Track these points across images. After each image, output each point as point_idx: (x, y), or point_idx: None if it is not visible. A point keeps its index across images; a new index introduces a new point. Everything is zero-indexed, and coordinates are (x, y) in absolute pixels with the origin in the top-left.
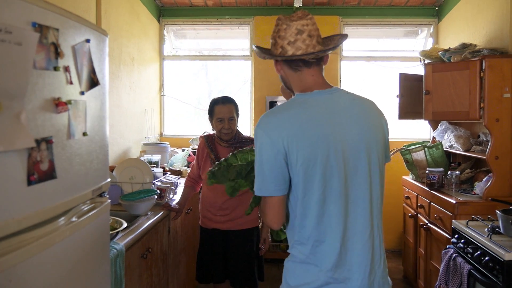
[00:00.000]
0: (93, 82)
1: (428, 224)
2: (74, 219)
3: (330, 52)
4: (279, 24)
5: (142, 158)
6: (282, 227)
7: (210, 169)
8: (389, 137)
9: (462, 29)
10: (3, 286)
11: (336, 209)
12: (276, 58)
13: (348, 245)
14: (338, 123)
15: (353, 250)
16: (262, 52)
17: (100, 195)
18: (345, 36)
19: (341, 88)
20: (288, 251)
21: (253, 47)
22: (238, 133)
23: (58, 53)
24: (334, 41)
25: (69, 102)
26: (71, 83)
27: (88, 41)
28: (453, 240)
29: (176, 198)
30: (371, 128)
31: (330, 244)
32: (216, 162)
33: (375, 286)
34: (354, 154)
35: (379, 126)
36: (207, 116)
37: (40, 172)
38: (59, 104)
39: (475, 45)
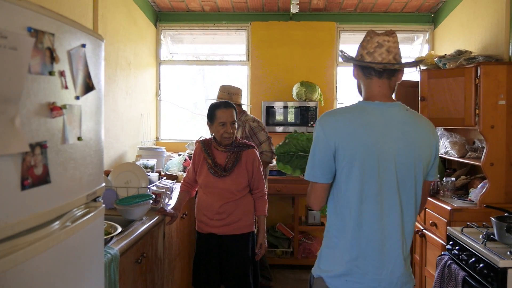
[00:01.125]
0: (89, 86)
1: (424, 230)
2: (68, 223)
3: (397, 66)
4: (366, 36)
5: (137, 163)
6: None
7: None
8: None
9: (458, 36)
10: None
11: (370, 210)
12: (351, 61)
13: (380, 242)
14: (387, 135)
15: (383, 248)
16: (346, 57)
17: (95, 200)
18: (420, 62)
19: (401, 104)
20: (324, 234)
21: (339, 51)
22: (236, 138)
23: (53, 58)
24: (409, 63)
25: (64, 106)
26: (66, 87)
27: (83, 46)
28: (448, 246)
29: (172, 202)
30: (417, 146)
31: (362, 237)
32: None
33: (398, 283)
34: (394, 165)
35: (427, 146)
36: (203, 120)
37: (34, 176)
38: (54, 109)
39: (471, 52)
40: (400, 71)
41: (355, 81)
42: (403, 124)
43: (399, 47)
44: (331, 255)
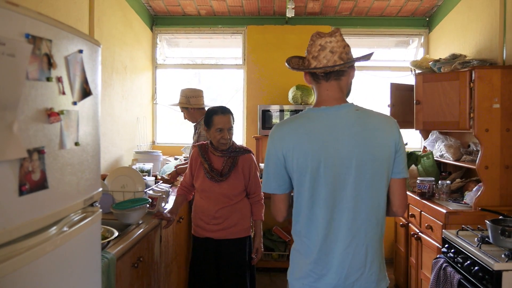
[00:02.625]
0: (86, 92)
1: (419, 233)
2: (65, 228)
3: (337, 67)
4: (310, 40)
5: (134, 167)
6: None
7: None
8: None
9: (452, 39)
10: None
11: (321, 214)
12: (295, 70)
13: (329, 247)
14: (334, 138)
15: (333, 253)
16: (293, 67)
17: (92, 205)
18: (368, 56)
19: (353, 105)
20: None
21: (286, 63)
22: (232, 143)
23: (51, 64)
24: (354, 59)
25: (61, 112)
26: (63, 93)
27: (81, 51)
28: (444, 249)
29: (168, 206)
30: (370, 146)
31: (313, 242)
32: None
33: None
34: (343, 169)
35: (384, 145)
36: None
37: (31, 182)
38: (51, 115)
39: (465, 56)
40: (349, 70)
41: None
42: (352, 125)
43: (346, 44)
44: (294, 258)
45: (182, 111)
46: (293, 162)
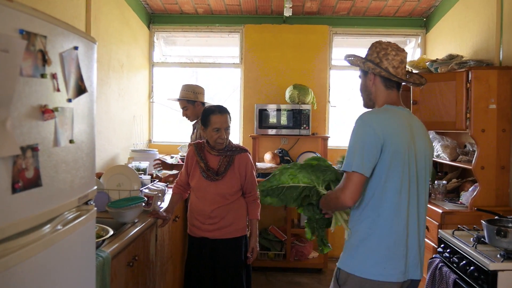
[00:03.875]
0: (81, 89)
1: None
2: (59, 227)
3: (422, 87)
4: (389, 49)
5: (130, 165)
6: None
7: (262, 183)
8: None
9: (449, 40)
10: None
11: (404, 201)
12: (385, 74)
13: (408, 229)
14: (415, 133)
15: (411, 235)
16: (364, 61)
17: (86, 203)
18: (424, 81)
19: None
20: (350, 227)
21: (350, 57)
22: (228, 142)
23: (45, 60)
24: (413, 77)
25: (56, 109)
26: (58, 90)
27: (76, 48)
28: (439, 249)
29: (164, 205)
30: (430, 148)
31: (399, 226)
32: (266, 179)
33: (421, 262)
34: (422, 163)
35: (432, 147)
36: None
37: (25, 179)
38: (45, 112)
39: (462, 57)
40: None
41: (365, 88)
42: (419, 125)
43: None
44: (366, 247)
45: (184, 107)
46: (391, 146)
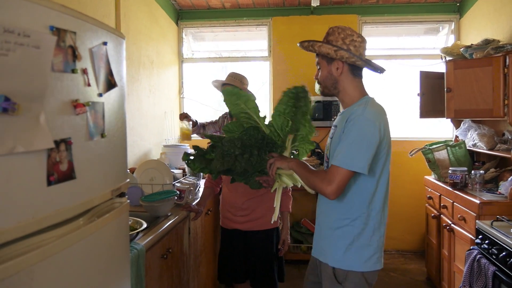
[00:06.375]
0: (111, 84)
1: (452, 224)
2: (93, 219)
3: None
4: (354, 36)
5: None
6: None
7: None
8: (410, 136)
9: (485, 24)
10: (25, 283)
11: (388, 194)
12: (361, 63)
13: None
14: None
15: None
16: (337, 49)
17: (120, 196)
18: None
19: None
20: (334, 226)
21: (314, 45)
22: None
23: (75, 56)
24: (375, 64)
25: (87, 103)
26: (88, 85)
27: (105, 43)
28: (477, 241)
29: (196, 199)
30: None
31: (384, 218)
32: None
33: None
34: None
35: None
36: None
37: (59, 172)
38: (77, 106)
39: (498, 41)
40: None
41: (329, 76)
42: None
43: None
44: (361, 242)
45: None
46: (386, 144)
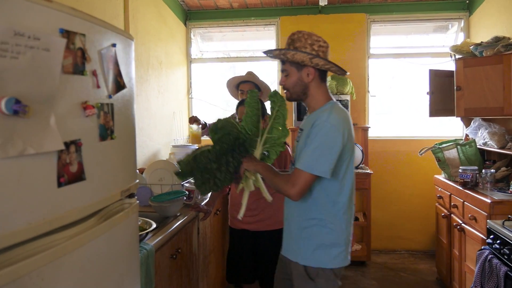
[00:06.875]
0: (120, 85)
1: (462, 224)
2: (103, 219)
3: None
4: (321, 41)
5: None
6: None
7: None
8: (419, 135)
9: (495, 22)
10: (36, 284)
11: (354, 191)
12: (335, 69)
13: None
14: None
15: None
16: (312, 57)
17: (129, 196)
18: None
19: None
20: (303, 226)
21: (286, 53)
22: None
23: (85, 58)
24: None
25: (96, 105)
26: (98, 87)
27: (114, 45)
28: (489, 240)
29: (205, 199)
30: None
31: (351, 218)
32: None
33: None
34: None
35: None
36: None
37: (69, 174)
38: (87, 108)
39: (509, 38)
40: None
41: (300, 82)
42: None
43: None
44: (328, 241)
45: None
46: (350, 147)
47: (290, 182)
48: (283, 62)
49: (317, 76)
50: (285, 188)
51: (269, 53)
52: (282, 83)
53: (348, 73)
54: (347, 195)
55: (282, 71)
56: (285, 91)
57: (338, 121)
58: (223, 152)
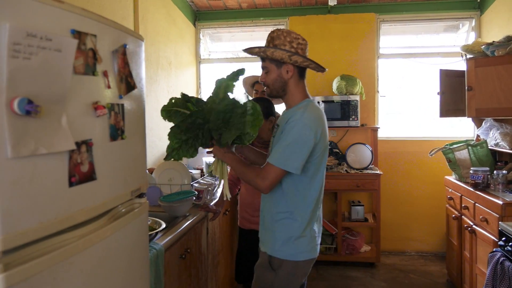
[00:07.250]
0: (131, 85)
1: (473, 226)
2: (113, 219)
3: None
4: (300, 39)
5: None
6: None
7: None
8: (429, 135)
9: (507, 21)
10: (47, 283)
11: (323, 188)
12: (314, 66)
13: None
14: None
15: (320, 216)
16: (291, 54)
17: (139, 196)
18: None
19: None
20: (276, 219)
21: (266, 51)
22: None
23: (96, 59)
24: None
25: (107, 105)
26: (109, 87)
27: (125, 46)
28: (500, 243)
29: (214, 199)
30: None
31: (320, 214)
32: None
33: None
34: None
35: None
36: None
37: (80, 173)
38: (98, 108)
39: None
40: None
41: (279, 80)
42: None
43: None
44: (297, 234)
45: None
46: (322, 146)
47: (261, 176)
48: (263, 59)
49: (296, 73)
50: (256, 180)
51: (249, 51)
52: (262, 80)
53: (326, 70)
54: (317, 191)
55: (262, 68)
56: (265, 87)
57: (311, 119)
58: (193, 129)
